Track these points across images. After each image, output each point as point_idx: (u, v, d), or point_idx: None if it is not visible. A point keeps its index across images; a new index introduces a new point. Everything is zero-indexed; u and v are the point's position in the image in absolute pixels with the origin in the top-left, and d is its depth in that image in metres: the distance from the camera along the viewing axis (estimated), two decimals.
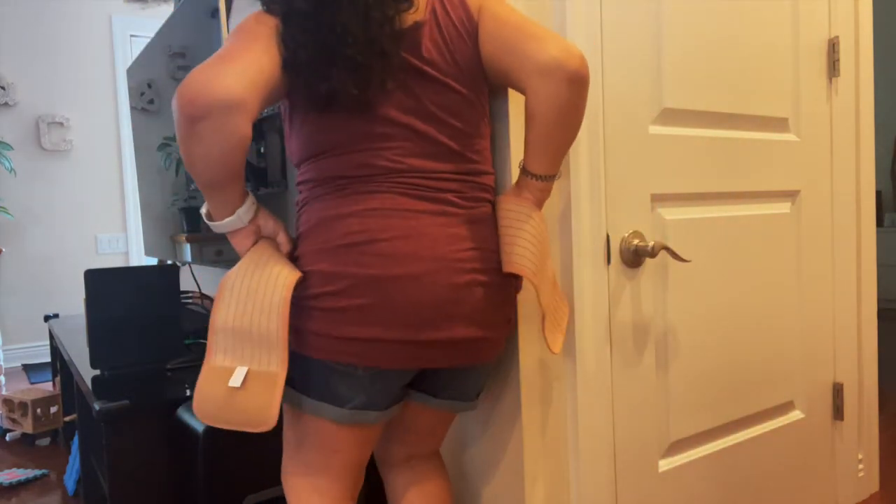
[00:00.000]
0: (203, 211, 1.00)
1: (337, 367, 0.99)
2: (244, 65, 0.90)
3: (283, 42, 0.96)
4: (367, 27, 0.95)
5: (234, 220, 0.98)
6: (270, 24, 0.97)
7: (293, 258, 1.04)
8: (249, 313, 0.97)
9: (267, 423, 0.95)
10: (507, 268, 1.06)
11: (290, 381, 1.04)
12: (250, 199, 0.99)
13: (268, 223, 1.03)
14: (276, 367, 0.96)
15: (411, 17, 1.01)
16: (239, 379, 0.96)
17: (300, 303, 1.00)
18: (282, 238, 1.04)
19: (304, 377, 1.03)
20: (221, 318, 0.98)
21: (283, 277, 0.97)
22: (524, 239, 1.06)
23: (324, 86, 0.97)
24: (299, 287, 1.00)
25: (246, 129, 0.88)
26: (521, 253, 1.06)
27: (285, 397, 1.05)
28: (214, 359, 0.99)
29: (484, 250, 1.04)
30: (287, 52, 0.95)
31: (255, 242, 1.02)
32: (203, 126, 0.86)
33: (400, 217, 0.99)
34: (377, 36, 0.96)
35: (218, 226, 0.99)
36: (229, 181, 0.93)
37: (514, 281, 1.11)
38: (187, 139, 0.88)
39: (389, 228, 0.98)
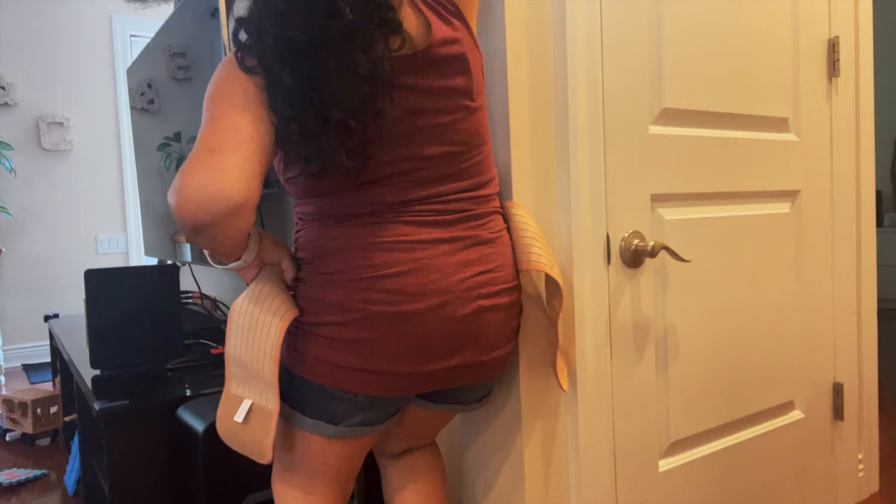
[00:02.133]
0: (207, 252, 0.99)
1: (335, 393, 1.00)
2: (240, 156, 0.84)
3: (271, 111, 0.89)
4: (357, 85, 0.87)
5: (239, 264, 0.98)
6: (251, 83, 0.89)
7: (297, 280, 1.04)
8: (250, 350, 0.98)
9: (264, 456, 0.98)
10: (526, 266, 1.07)
11: (285, 397, 1.04)
12: (253, 240, 0.97)
13: (270, 252, 1.01)
14: (272, 405, 0.97)
15: (409, 47, 0.95)
16: (242, 414, 1.00)
17: (303, 327, 1.00)
18: (286, 265, 1.03)
19: (300, 396, 1.03)
20: (231, 350, 1.01)
21: (278, 319, 0.97)
22: (540, 243, 1.10)
23: (317, 164, 0.92)
24: (302, 312, 1.00)
25: (252, 219, 0.87)
26: (538, 252, 1.08)
27: (280, 412, 1.05)
28: (230, 386, 1.03)
29: (493, 271, 1.03)
30: (278, 123, 0.90)
31: (259, 271, 1.01)
32: (209, 230, 0.85)
33: (406, 250, 0.97)
34: (369, 95, 0.89)
35: (224, 268, 1.00)
36: (237, 251, 0.95)
37: (521, 290, 1.12)
38: (193, 238, 0.88)
39: (396, 262, 0.96)
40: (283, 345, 1.03)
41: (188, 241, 0.93)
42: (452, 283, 0.98)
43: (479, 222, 1.03)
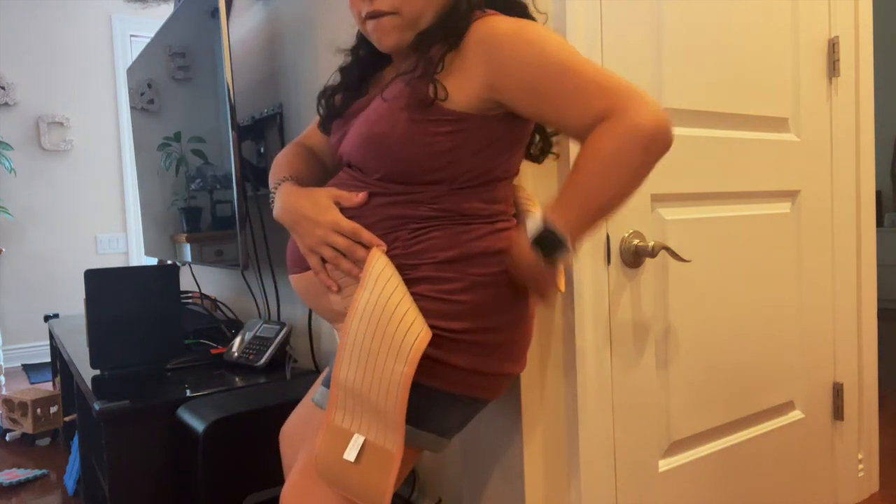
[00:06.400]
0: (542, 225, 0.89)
1: (463, 399, 0.94)
2: None
3: None
4: None
5: None
6: None
7: (432, 281, 0.92)
8: (369, 380, 0.86)
9: (380, 503, 0.87)
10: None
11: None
12: None
13: None
14: (393, 447, 0.86)
15: None
16: (353, 453, 0.87)
17: (448, 335, 0.90)
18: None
19: (419, 407, 0.90)
20: (343, 374, 0.88)
21: (407, 344, 0.84)
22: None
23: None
24: (448, 317, 0.90)
25: None
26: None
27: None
28: (334, 416, 0.90)
29: None
30: None
31: None
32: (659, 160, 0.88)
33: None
34: None
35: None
36: None
37: None
38: (648, 168, 0.87)
39: None
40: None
41: (633, 184, 0.88)
42: None
43: None
